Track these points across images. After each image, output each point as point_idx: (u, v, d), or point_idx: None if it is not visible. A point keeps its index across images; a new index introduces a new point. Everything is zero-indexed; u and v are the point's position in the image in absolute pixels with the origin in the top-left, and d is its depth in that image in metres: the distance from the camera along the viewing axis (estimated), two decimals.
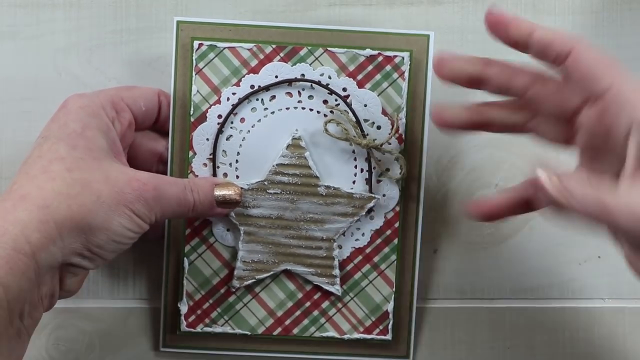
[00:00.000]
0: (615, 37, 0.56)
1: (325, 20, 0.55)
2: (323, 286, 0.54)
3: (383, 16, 0.55)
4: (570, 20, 0.56)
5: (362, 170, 0.53)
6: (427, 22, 0.55)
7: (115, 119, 0.49)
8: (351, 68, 0.53)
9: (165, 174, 0.52)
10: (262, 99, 0.53)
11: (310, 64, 0.52)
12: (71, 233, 0.44)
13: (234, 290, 0.54)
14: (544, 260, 0.57)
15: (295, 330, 0.54)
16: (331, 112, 0.52)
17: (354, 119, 0.52)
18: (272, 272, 0.53)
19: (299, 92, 0.53)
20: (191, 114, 0.52)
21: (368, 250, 0.54)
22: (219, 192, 0.51)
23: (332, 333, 0.54)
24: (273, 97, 0.53)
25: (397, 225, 0.54)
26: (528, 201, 0.46)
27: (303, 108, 0.53)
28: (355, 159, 0.53)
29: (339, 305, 0.54)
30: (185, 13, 0.55)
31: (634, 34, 0.56)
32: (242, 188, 0.52)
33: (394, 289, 0.54)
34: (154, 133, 0.53)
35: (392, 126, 0.53)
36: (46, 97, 0.54)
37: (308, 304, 0.54)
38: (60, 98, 0.53)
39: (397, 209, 0.54)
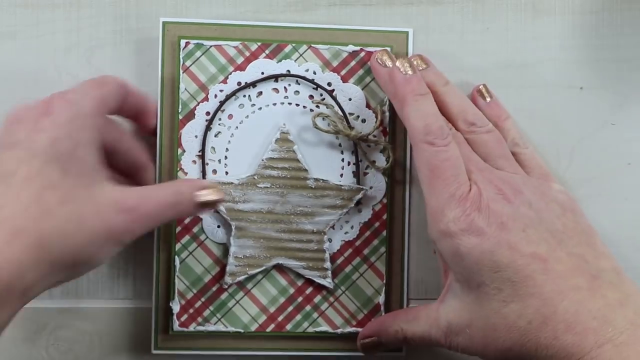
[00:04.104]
0: (615, 37, 0.56)
1: (325, 20, 0.55)
2: (315, 279, 0.54)
3: (383, 16, 0.55)
4: (570, 20, 0.56)
5: (349, 164, 0.54)
6: (427, 22, 0.55)
7: (102, 127, 0.48)
8: (335, 64, 0.54)
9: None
10: (249, 96, 0.54)
11: (295, 60, 0.54)
12: (61, 270, 0.43)
13: (225, 287, 0.54)
14: None
15: (289, 326, 0.54)
16: (317, 106, 0.53)
17: (340, 113, 0.54)
18: (264, 267, 0.53)
19: (285, 87, 0.54)
20: (179, 111, 0.53)
21: (358, 243, 0.55)
22: (203, 199, 0.49)
23: (325, 328, 0.54)
24: (260, 93, 0.54)
25: (385, 217, 0.55)
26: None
27: (289, 103, 0.54)
28: (342, 152, 0.54)
29: (331, 299, 0.54)
30: (185, 13, 0.55)
31: (634, 34, 0.56)
32: (232, 183, 0.53)
33: (384, 282, 0.55)
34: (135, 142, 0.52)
35: (377, 118, 0.54)
36: None
37: (300, 299, 0.54)
38: None
39: (385, 200, 0.54)
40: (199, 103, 0.53)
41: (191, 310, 0.53)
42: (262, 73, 0.53)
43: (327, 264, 0.54)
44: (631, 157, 0.56)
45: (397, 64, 0.51)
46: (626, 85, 0.56)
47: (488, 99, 0.55)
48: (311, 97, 0.54)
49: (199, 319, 0.54)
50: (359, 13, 0.56)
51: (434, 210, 0.48)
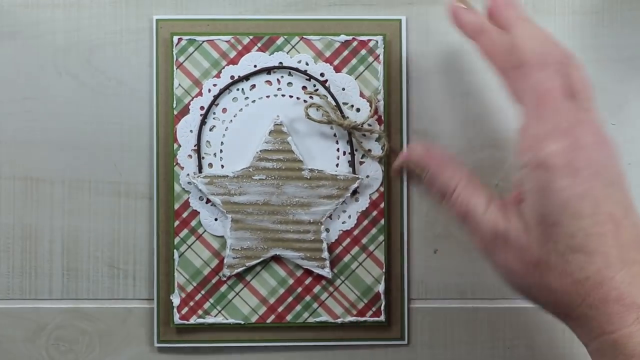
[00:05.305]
0: (615, 37, 0.56)
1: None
2: (313, 270, 0.54)
3: (384, 16, 0.55)
4: (570, 20, 0.56)
5: (344, 153, 0.54)
6: (427, 22, 0.55)
7: None
8: (327, 54, 0.54)
9: None
10: (242, 89, 0.54)
11: (287, 52, 0.54)
12: None
13: (225, 279, 0.54)
14: None
15: (289, 317, 0.55)
16: (311, 97, 0.54)
17: (333, 103, 0.54)
18: (261, 259, 0.54)
19: (277, 80, 0.54)
20: (174, 107, 0.54)
21: (355, 233, 0.55)
22: None
23: (325, 317, 0.55)
24: (253, 86, 0.54)
25: (382, 205, 0.55)
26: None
27: (283, 95, 0.54)
28: (337, 142, 0.54)
29: (331, 289, 0.55)
30: (185, 13, 0.55)
31: (634, 34, 0.56)
32: (227, 176, 0.53)
33: (384, 270, 0.55)
34: None
35: (371, 107, 0.54)
36: (46, 97, 0.55)
37: (300, 289, 0.55)
38: (61, 98, 0.54)
39: (382, 189, 0.55)
40: (193, 98, 0.54)
41: (192, 303, 0.54)
42: (255, 66, 0.54)
43: (325, 254, 0.54)
44: (631, 157, 0.56)
45: None
46: (626, 85, 0.56)
47: None
48: (304, 88, 0.54)
49: (200, 312, 0.54)
50: (358, 13, 0.55)
51: (532, 136, 0.45)
